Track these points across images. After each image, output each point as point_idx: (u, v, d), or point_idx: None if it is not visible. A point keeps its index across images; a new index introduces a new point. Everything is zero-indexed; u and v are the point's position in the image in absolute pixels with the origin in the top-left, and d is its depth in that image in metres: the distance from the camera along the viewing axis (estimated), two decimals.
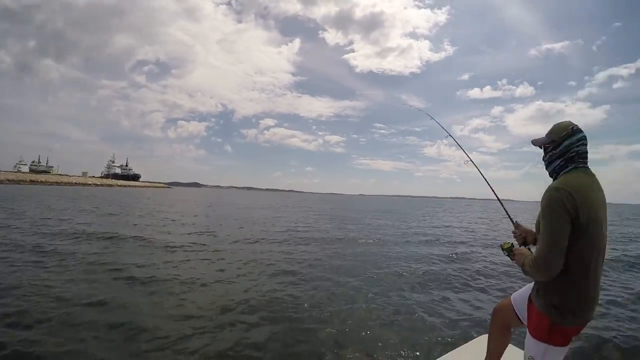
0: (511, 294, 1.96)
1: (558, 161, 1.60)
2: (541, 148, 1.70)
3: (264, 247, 9.46)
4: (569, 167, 1.57)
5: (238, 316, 4.21)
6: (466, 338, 2.72)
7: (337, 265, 7.32)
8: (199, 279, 5.75)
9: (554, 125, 1.65)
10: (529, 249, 1.77)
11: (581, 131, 1.60)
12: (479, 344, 2.34)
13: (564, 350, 1.56)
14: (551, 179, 1.65)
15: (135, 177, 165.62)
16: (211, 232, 12.04)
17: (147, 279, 5.56)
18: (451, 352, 2.39)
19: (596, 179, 1.57)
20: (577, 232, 1.42)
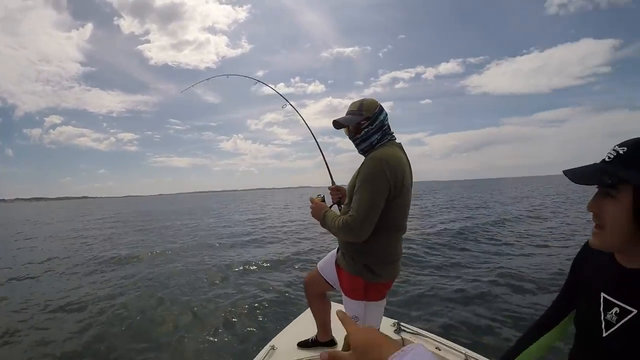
0: (316, 264, 1.99)
1: (376, 135, 1.63)
2: (347, 128, 1.69)
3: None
4: (385, 140, 1.63)
5: None
6: (294, 316, 2.71)
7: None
8: None
9: (361, 103, 1.65)
10: (341, 208, 1.82)
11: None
12: (307, 318, 2.39)
13: (382, 302, 1.68)
14: (354, 156, 1.69)
15: None
16: None
17: None
18: (281, 332, 2.38)
19: (404, 151, 1.66)
20: (391, 198, 1.50)
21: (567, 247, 7.64)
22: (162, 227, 16.23)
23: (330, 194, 1.92)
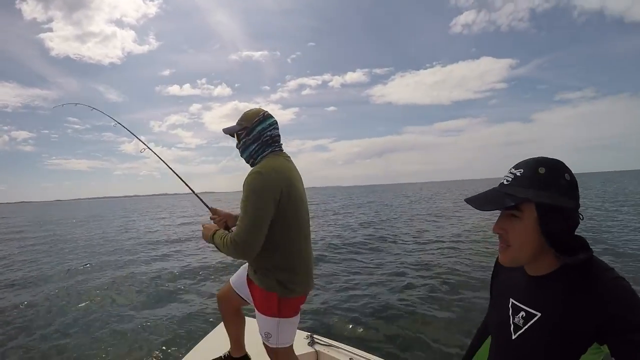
0: (228, 277, 1.97)
1: (253, 146, 1.63)
2: (233, 136, 1.73)
3: None
4: (267, 151, 1.63)
5: None
6: (205, 332, 2.64)
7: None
8: None
9: (244, 113, 1.69)
10: (231, 231, 1.78)
11: (272, 116, 1.67)
12: (219, 333, 2.33)
13: (296, 319, 1.67)
14: (248, 165, 1.69)
15: None
16: None
17: None
18: (193, 349, 2.30)
19: (292, 161, 1.69)
20: (282, 211, 1.50)
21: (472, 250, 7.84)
22: (57, 242, 13.73)
23: (214, 221, 1.86)
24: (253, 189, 1.46)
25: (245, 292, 1.80)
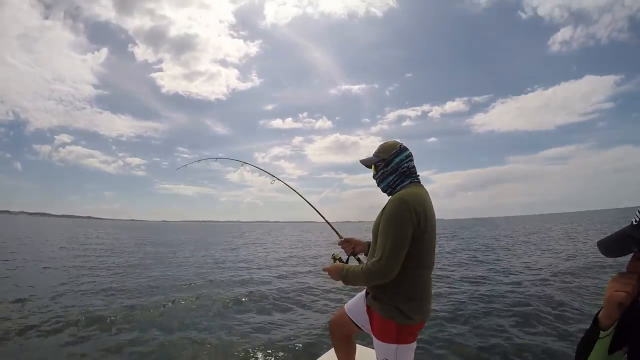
0: (339, 304, 2.28)
1: (392, 177, 1.71)
2: (370, 168, 1.81)
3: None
4: (406, 182, 1.70)
5: None
6: (314, 357, 2.66)
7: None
8: None
9: (381, 145, 1.79)
10: (358, 259, 1.93)
11: (407, 149, 1.75)
12: (328, 359, 2.32)
13: (413, 345, 1.66)
14: (385, 194, 1.76)
15: None
16: None
17: None
18: None
19: (428, 193, 1.71)
20: (417, 239, 1.53)
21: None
22: (169, 257, 15.47)
23: (342, 247, 1.99)
24: (397, 213, 1.51)
25: (361, 320, 1.81)
